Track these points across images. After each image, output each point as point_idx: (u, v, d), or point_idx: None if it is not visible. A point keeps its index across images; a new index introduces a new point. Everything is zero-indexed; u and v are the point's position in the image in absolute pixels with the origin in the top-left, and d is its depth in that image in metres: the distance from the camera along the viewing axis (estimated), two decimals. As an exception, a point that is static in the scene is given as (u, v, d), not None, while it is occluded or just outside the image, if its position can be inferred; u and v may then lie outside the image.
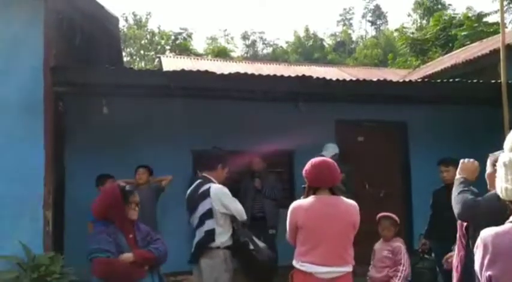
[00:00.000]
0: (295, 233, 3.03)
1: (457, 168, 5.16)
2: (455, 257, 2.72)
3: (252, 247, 3.73)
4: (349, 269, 2.98)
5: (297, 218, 3.00)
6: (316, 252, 2.92)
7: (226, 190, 3.76)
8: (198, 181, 3.89)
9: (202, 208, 3.70)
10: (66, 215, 5.67)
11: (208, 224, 3.69)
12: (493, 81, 5.91)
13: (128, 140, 5.84)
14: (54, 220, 4.91)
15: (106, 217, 2.79)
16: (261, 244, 3.78)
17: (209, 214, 3.68)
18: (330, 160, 3.19)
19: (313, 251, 2.93)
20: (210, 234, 3.67)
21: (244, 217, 3.78)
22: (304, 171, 3.11)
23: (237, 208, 3.73)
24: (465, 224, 2.65)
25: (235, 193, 5.86)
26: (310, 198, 3.03)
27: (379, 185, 7.00)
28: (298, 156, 6.38)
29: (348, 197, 5.47)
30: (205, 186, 3.75)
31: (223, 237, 3.69)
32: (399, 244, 4.04)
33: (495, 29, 13.00)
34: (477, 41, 11.03)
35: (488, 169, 2.73)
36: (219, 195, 3.69)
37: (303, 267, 2.93)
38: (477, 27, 14.33)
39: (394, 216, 4.15)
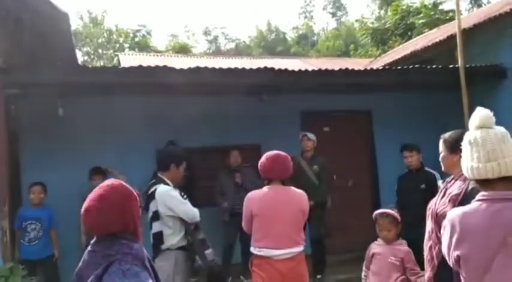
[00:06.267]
0: (251, 221, 3.34)
1: (419, 153, 5.29)
2: (426, 250, 2.65)
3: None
4: (301, 248, 3.30)
5: (251, 207, 3.33)
6: (270, 237, 3.23)
7: (172, 192, 3.64)
8: (152, 182, 3.80)
9: (150, 210, 3.64)
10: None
11: (155, 227, 3.63)
12: (451, 66, 6.02)
13: (88, 141, 5.62)
14: (11, 229, 4.69)
15: (121, 231, 1.79)
16: (207, 251, 3.60)
17: (155, 217, 3.62)
18: (284, 154, 3.39)
19: (268, 236, 3.24)
20: (158, 237, 3.61)
21: (195, 219, 3.65)
22: (259, 164, 3.39)
23: (184, 210, 3.60)
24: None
25: (210, 190, 5.81)
26: (264, 189, 3.37)
27: (346, 175, 7.04)
28: (265, 150, 6.32)
29: (322, 190, 5.59)
30: (153, 188, 3.67)
31: (173, 239, 3.59)
32: (407, 248, 3.40)
33: (451, 16, 13.31)
34: (434, 28, 11.27)
35: (442, 152, 2.73)
36: (164, 197, 3.59)
37: (261, 252, 3.25)
38: (434, 15, 14.65)
39: (392, 212, 3.51)
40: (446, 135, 2.73)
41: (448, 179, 2.76)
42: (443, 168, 2.78)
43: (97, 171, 5.18)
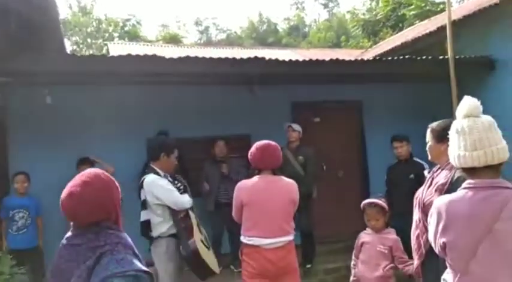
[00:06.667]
0: (241, 210, 3.35)
1: (409, 144, 5.33)
2: (414, 239, 2.69)
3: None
4: (290, 238, 3.32)
5: (242, 196, 3.34)
6: (260, 226, 3.23)
7: (159, 181, 3.71)
8: (145, 171, 3.91)
9: (141, 199, 3.77)
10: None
11: (143, 215, 3.76)
12: (440, 57, 6.05)
13: (77, 131, 5.58)
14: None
15: (104, 219, 1.75)
16: (191, 240, 3.66)
17: (143, 205, 3.75)
18: (274, 144, 3.40)
19: (258, 225, 3.24)
20: (145, 225, 3.73)
21: (184, 206, 3.74)
22: (249, 154, 3.38)
23: (172, 199, 3.67)
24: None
25: (196, 179, 5.81)
26: (254, 178, 3.37)
27: (336, 165, 7.07)
28: (255, 140, 6.31)
29: (308, 181, 5.60)
30: (143, 178, 3.77)
31: (162, 227, 3.69)
32: (396, 237, 3.43)
33: (442, 8, 13.34)
34: (425, 20, 11.30)
35: (429, 141, 2.74)
36: (150, 186, 3.68)
37: (251, 241, 3.25)
38: (424, 6, 14.67)
39: (380, 202, 3.55)
40: (434, 124, 2.75)
41: (434, 169, 2.79)
42: (429, 158, 2.80)
43: (84, 161, 5.15)
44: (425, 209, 2.57)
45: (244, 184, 3.41)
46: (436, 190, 2.56)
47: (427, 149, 2.79)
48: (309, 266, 5.70)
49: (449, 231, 1.80)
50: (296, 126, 5.79)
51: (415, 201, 2.77)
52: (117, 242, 1.68)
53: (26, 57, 4.54)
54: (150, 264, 3.81)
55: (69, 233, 1.78)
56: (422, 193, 2.70)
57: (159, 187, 3.67)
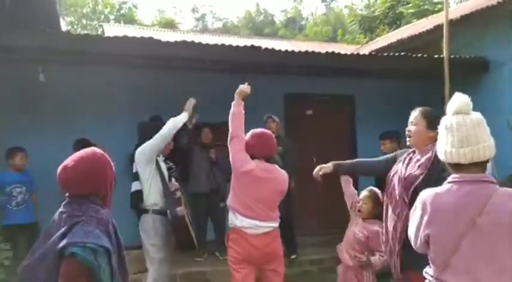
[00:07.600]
0: (242, 147, 3.28)
1: (393, 142, 5.35)
2: (390, 220, 2.66)
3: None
4: (275, 224, 3.35)
5: (244, 160, 3.26)
6: (247, 207, 3.22)
7: (143, 148, 3.93)
8: None
9: (133, 172, 3.99)
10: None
11: (134, 186, 3.94)
12: (435, 56, 6.07)
13: (68, 111, 5.54)
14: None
15: (91, 193, 1.87)
16: (179, 209, 3.94)
17: (135, 177, 3.94)
18: (270, 132, 3.44)
19: (244, 204, 3.23)
20: (136, 196, 3.92)
21: (177, 124, 3.95)
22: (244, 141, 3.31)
23: (158, 137, 3.84)
24: (416, 183, 2.50)
25: (186, 164, 5.84)
26: (252, 162, 3.26)
27: (327, 158, 7.04)
28: (247, 130, 6.32)
29: (286, 171, 5.58)
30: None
31: (150, 198, 3.86)
32: (377, 229, 3.18)
33: (439, 8, 13.36)
34: (422, 19, 11.32)
35: (418, 125, 2.70)
36: (138, 154, 3.89)
37: (239, 221, 3.21)
38: (422, 5, 14.68)
39: (378, 191, 3.51)
40: (425, 109, 2.75)
41: (409, 151, 2.78)
42: (411, 141, 2.74)
43: (83, 143, 5.11)
44: (405, 183, 2.57)
45: (250, 160, 3.30)
46: (419, 166, 2.55)
47: (411, 130, 2.72)
48: (293, 256, 5.74)
49: (433, 224, 1.83)
50: (275, 117, 5.81)
51: (388, 196, 2.75)
52: (92, 216, 1.81)
53: (19, 32, 4.48)
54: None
55: (65, 201, 1.92)
56: (400, 171, 2.67)
57: (145, 144, 3.88)
